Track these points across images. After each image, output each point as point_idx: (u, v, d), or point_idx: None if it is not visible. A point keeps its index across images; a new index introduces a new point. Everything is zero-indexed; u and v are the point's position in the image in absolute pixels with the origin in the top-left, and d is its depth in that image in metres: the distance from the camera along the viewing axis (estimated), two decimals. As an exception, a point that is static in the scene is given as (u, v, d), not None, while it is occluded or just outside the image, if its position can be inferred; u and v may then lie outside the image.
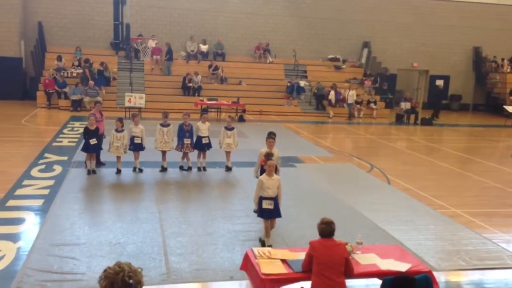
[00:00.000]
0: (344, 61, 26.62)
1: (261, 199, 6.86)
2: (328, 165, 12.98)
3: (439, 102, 24.68)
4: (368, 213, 8.85)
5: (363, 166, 12.86)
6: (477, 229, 8.36)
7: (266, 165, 6.90)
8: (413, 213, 9.03)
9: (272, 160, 6.97)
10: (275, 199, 6.89)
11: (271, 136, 8.59)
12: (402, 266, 5.30)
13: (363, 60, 26.99)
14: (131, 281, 2.16)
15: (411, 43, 27.47)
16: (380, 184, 11.18)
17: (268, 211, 6.86)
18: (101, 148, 10.95)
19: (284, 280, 5.11)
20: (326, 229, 5.01)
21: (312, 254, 4.98)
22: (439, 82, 26.11)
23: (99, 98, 20.06)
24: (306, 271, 5.05)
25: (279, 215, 7.02)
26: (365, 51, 27.02)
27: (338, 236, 5.15)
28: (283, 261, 5.33)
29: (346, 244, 5.34)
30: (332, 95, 23.11)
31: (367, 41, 26.96)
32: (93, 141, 10.58)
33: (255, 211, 7.14)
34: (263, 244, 6.93)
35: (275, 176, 6.91)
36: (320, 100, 23.26)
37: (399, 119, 22.53)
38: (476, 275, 6.71)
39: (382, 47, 26.75)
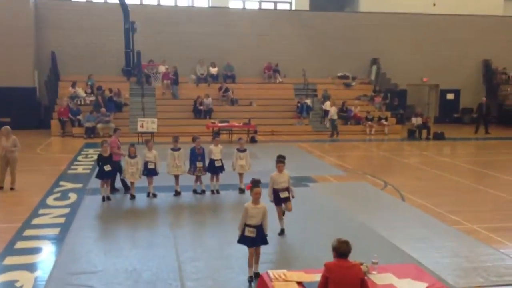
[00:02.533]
0: (353, 78, 26.71)
1: (244, 226, 6.62)
2: (342, 184, 12.94)
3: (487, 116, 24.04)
4: (384, 231, 8.79)
5: (377, 183, 12.81)
6: (494, 244, 8.25)
7: (252, 193, 6.63)
8: (429, 230, 8.95)
9: (259, 187, 6.68)
10: (259, 227, 6.61)
11: (280, 160, 8.68)
12: (419, 286, 5.25)
13: (373, 77, 27.07)
14: None
15: (420, 58, 27.48)
16: (394, 201, 11.12)
17: (250, 239, 6.58)
18: (116, 174, 11.03)
19: (301, 303, 5.09)
20: (342, 248, 4.96)
21: (328, 276, 4.95)
22: (449, 97, 26.07)
23: (111, 125, 20.36)
24: (322, 293, 5.02)
25: (264, 243, 6.74)
26: (374, 67, 27.11)
27: (353, 256, 5.12)
28: (299, 283, 5.31)
29: (362, 264, 5.31)
30: (333, 111, 22.67)
31: (376, 58, 27.06)
32: (107, 168, 10.70)
33: (238, 240, 6.77)
34: (256, 275, 6.56)
35: (261, 204, 6.65)
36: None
37: (411, 135, 22.44)
38: (495, 292, 6.61)
39: (391, 63, 26.80)
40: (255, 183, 6.73)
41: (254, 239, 6.60)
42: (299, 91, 25.22)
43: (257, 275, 6.53)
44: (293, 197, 8.68)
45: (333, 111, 22.31)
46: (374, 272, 5.56)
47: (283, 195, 8.50)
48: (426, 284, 5.28)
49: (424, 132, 22.30)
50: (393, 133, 23.23)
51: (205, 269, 7.06)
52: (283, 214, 8.69)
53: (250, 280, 6.60)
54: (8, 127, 11.77)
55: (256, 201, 6.63)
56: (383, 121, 23.54)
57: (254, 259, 6.69)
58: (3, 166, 11.55)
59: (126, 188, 11.26)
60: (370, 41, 26.84)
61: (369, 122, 23.20)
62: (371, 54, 27.09)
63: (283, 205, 8.59)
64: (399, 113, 25.61)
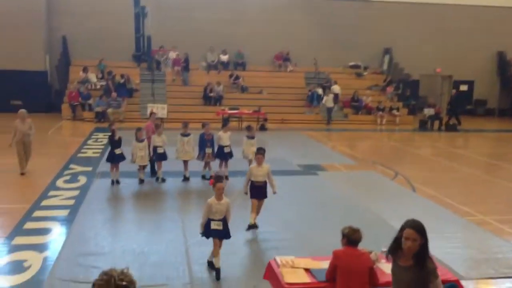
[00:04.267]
0: (365, 68, 26.44)
1: (209, 220, 6.46)
2: (351, 173, 12.85)
3: (458, 108, 23.73)
4: (393, 221, 8.67)
5: (387, 173, 12.69)
6: (506, 236, 8.15)
7: (215, 188, 6.43)
8: (439, 221, 8.84)
9: (222, 183, 6.48)
10: (224, 220, 6.48)
11: (260, 152, 8.26)
12: (429, 275, 5.16)
13: (385, 67, 26.78)
14: (124, 283, 2.14)
15: (434, 48, 27.11)
16: (405, 191, 11.01)
17: (216, 231, 6.44)
18: (124, 158, 10.97)
19: (308, 289, 5.04)
20: (354, 235, 4.89)
21: (336, 264, 4.90)
22: (463, 88, 25.74)
23: (121, 110, 20.45)
24: (329, 280, 4.98)
25: (228, 236, 6.57)
26: (387, 57, 26.81)
27: (362, 245, 5.05)
28: (306, 270, 5.26)
29: (371, 253, 5.25)
30: (329, 100, 22.55)
31: (388, 48, 26.74)
32: (118, 151, 10.69)
33: (201, 234, 6.58)
34: (211, 265, 6.55)
35: (224, 200, 6.49)
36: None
37: (423, 126, 22.23)
38: (505, 284, 6.52)
39: (404, 53, 26.48)
40: (218, 179, 6.54)
41: (220, 231, 6.43)
42: (310, 80, 25.04)
43: (218, 270, 6.39)
44: (274, 193, 8.11)
45: (329, 99, 22.30)
46: (383, 261, 5.48)
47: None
48: (436, 274, 5.19)
49: (436, 123, 22.07)
50: (404, 124, 23.01)
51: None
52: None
53: (217, 272, 6.39)
54: (24, 110, 11.50)
55: (219, 196, 6.41)
56: (395, 112, 23.32)
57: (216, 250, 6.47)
58: (21, 152, 11.27)
59: (153, 172, 11.26)
60: (383, 31, 26.51)
61: (380, 112, 23.00)
62: (384, 44, 26.77)
63: (257, 200, 8.02)
64: (411, 104, 25.35)
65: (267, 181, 8.07)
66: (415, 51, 26.80)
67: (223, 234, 6.50)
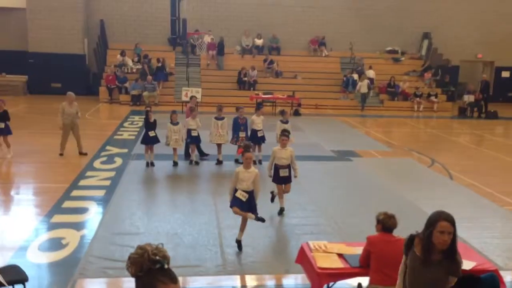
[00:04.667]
0: (403, 53, 25.81)
1: (235, 190, 6.53)
2: (386, 160, 12.63)
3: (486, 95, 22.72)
4: (429, 209, 8.42)
5: (424, 160, 12.42)
6: (548, 228, 7.85)
7: (243, 157, 6.59)
8: (478, 210, 8.61)
9: (249, 152, 6.62)
10: (250, 193, 6.50)
11: (284, 133, 8.23)
12: (466, 264, 5.03)
13: (423, 52, 26.06)
14: (157, 257, 2.18)
15: (475, 33, 26.16)
16: (442, 179, 10.75)
17: (240, 202, 6.44)
18: (159, 141, 11.09)
19: (341, 274, 5.00)
20: (389, 221, 4.81)
21: (370, 250, 4.84)
22: (505, 74, 24.78)
23: (156, 93, 20.70)
24: (363, 266, 4.92)
25: (252, 210, 6.54)
26: (426, 42, 26.06)
27: (397, 232, 4.96)
28: (340, 255, 5.21)
29: (406, 239, 5.14)
30: (363, 85, 22.25)
31: (427, 32, 25.98)
32: (152, 133, 10.82)
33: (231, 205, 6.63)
34: (239, 245, 6.60)
35: (252, 169, 6.54)
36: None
37: (462, 113, 21.61)
38: (547, 276, 6.30)
39: (443, 38, 25.67)
40: (246, 148, 6.68)
41: (243, 203, 6.43)
42: (345, 65, 24.64)
43: (238, 242, 6.59)
44: (295, 177, 8.03)
45: (364, 85, 22.02)
46: (418, 248, 5.36)
47: (282, 173, 7.87)
48: (474, 263, 5.07)
49: (476, 110, 21.41)
50: (442, 111, 22.42)
51: (245, 237, 7.00)
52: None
53: (238, 243, 6.62)
54: (72, 93, 11.70)
55: (247, 165, 6.50)
56: (433, 98, 22.73)
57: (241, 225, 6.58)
58: (66, 134, 11.48)
59: (187, 155, 11.39)
60: (421, 15, 25.74)
61: (418, 99, 22.46)
62: (422, 28, 26.02)
63: (283, 185, 8.00)
64: (450, 90, 24.64)
65: (291, 165, 7.98)
66: (455, 36, 25.93)
67: (246, 207, 6.47)
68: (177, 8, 18.35)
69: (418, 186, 10.12)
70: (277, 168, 7.93)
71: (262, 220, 6.67)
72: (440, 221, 3.55)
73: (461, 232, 7.38)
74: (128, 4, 24.28)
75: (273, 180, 8.02)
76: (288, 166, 7.96)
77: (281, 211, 8.03)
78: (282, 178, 7.94)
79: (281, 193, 8.04)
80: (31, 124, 15.53)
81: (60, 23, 22.76)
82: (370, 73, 23.32)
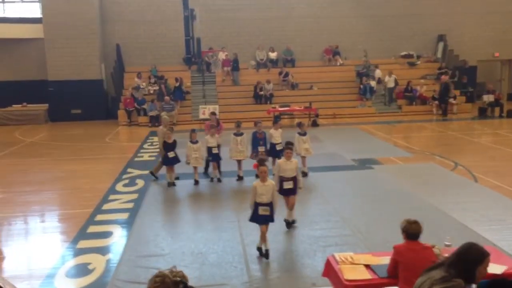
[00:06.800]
0: (418, 57, 25.61)
1: (256, 205, 6.71)
2: (408, 166, 12.47)
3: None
4: (455, 213, 8.37)
5: (446, 164, 12.23)
6: None
7: (258, 171, 6.75)
8: (505, 212, 8.42)
9: (265, 165, 6.73)
10: (270, 205, 6.73)
11: (288, 146, 8.23)
12: (497, 269, 4.92)
13: (439, 54, 25.82)
14: (178, 278, 2.20)
15: (491, 31, 25.84)
16: (466, 182, 10.57)
17: (264, 217, 6.74)
18: (179, 161, 11.16)
19: (369, 286, 4.93)
20: (412, 228, 4.73)
21: (397, 259, 4.76)
22: None
23: (174, 112, 20.89)
24: (392, 276, 4.84)
25: (272, 220, 6.89)
26: (441, 44, 25.84)
27: (423, 239, 4.88)
28: (367, 266, 5.14)
29: (433, 247, 5.05)
30: (390, 80, 22.67)
31: (442, 34, 25.76)
32: (171, 154, 10.90)
33: (250, 219, 6.95)
34: (260, 251, 6.83)
35: (268, 181, 6.70)
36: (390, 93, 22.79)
37: (483, 113, 21.27)
38: None
39: (459, 39, 25.42)
40: (261, 162, 6.86)
41: (267, 216, 6.73)
42: (360, 72, 24.54)
43: (267, 251, 6.77)
44: (300, 188, 8.01)
45: (391, 80, 22.37)
46: (446, 255, 5.26)
47: (287, 185, 7.81)
48: (505, 267, 4.95)
49: (497, 110, 21.06)
50: (462, 112, 22.11)
51: (270, 252, 7.02)
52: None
53: (266, 253, 6.76)
54: (167, 117, 12.49)
55: (263, 179, 6.69)
56: (451, 100, 22.44)
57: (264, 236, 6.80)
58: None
59: (206, 172, 11.59)
60: (435, 17, 25.57)
61: (436, 102, 22.20)
62: (437, 31, 25.81)
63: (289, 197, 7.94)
64: (468, 91, 24.31)
65: (296, 176, 7.95)
66: (471, 36, 25.67)
67: (270, 219, 6.81)
68: (190, 27, 18.58)
69: (442, 190, 9.96)
70: (281, 180, 7.90)
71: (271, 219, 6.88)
72: (487, 256, 3.65)
73: (489, 235, 7.28)
74: (143, 27, 24.71)
75: (281, 193, 7.94)
76: (293, 178, 7.93)
77: (288, 224, 7.98)
78: (286, 190, 7.94)
79: (287, 204, 7.98)
80: (53, 151, 15.80)
81: (78, 50, 23.23)
82: (379, 73, 23.45)
